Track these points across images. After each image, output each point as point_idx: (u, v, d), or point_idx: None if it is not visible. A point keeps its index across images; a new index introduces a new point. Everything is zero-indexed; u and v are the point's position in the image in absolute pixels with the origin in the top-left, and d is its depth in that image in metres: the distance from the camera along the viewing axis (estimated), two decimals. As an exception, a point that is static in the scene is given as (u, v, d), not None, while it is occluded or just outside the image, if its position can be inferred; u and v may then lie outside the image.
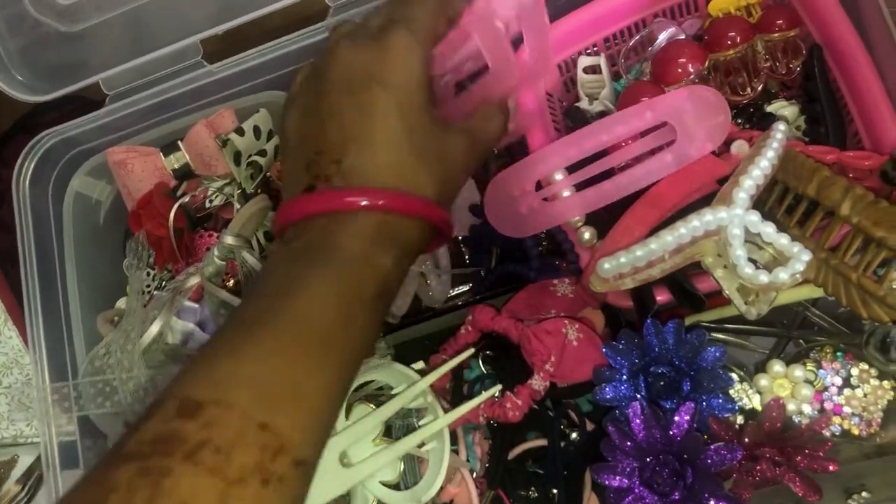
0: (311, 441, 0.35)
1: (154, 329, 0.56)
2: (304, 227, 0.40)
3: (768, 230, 0.45)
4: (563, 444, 0.57)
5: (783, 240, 0.45)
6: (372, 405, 0.55)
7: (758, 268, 0.45)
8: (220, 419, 0.33)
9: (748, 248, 0.46)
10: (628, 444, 0.51)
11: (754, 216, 0.46)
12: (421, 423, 0.54)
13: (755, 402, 0.55)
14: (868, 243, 0.47)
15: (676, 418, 0.50)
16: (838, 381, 0.53)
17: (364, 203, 0.39)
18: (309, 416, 0.36)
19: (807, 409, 0.53)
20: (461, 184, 0.46)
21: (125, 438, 0.33)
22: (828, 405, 0.53)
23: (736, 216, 0.46)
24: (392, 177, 0.41)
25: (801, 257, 0.44)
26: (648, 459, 0.51)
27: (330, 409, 0.37)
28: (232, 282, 0.65)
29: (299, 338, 0.37)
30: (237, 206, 0.65)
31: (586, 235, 0.56)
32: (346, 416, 0.54)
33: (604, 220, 0.55)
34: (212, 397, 0.34)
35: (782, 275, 0.44)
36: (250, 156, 0.63)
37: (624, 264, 0.49)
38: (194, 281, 0.60)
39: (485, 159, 0.53)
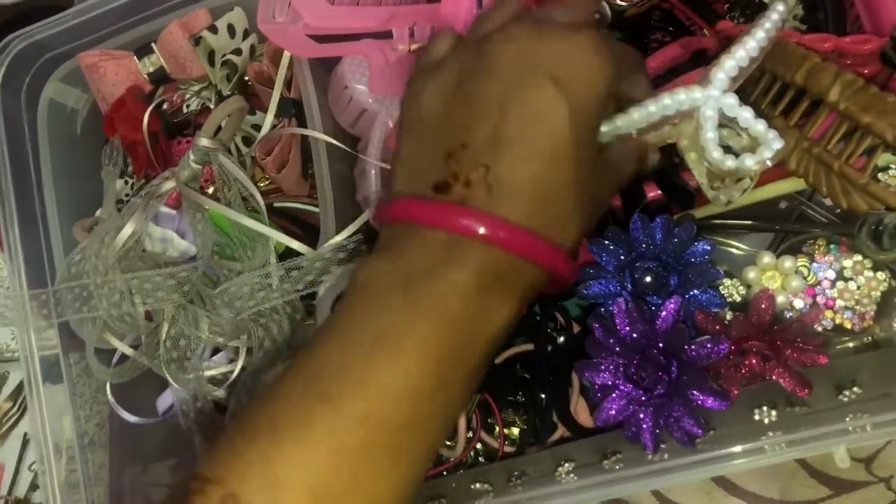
0: None
1: (126, 231, 0.55)
2: (413, 234, 0.34)
3: (745, 115, 0.43)
4: (550, 347, 0.56)
5: (759, 126, 0.42)
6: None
7: (730, 153, 0.43)
8: None
9: (727, 134, 0.44)
10: (612, 340, 0.50)
11: (731, 99, 0.43)
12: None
13: (745, 297, 0.53)
14: (853, 131, 0.46)
15: (662, 313, 0.49)
16: (831, 274, 0.51)
17: (503, 239, 0.33)
18: None
19: (798, 303, 0.52)
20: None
21: None
22: (820, 299, 0.52)
23: (711, 97, 0.43)
24: (543, 206, 0.34)
25: (771, 144, 0.42)
26: (633, 355, 0.49)
27: None
28: (211, 189, 0.63)
29: (374, 433, 0.31)
30: (214, 109, 0.63)
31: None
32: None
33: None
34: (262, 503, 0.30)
35: (749, 161, 0.42)
36: (224, 55, 0.60)
37: (605, 133, 0.46)
38: (169, 185, 0.58)
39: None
